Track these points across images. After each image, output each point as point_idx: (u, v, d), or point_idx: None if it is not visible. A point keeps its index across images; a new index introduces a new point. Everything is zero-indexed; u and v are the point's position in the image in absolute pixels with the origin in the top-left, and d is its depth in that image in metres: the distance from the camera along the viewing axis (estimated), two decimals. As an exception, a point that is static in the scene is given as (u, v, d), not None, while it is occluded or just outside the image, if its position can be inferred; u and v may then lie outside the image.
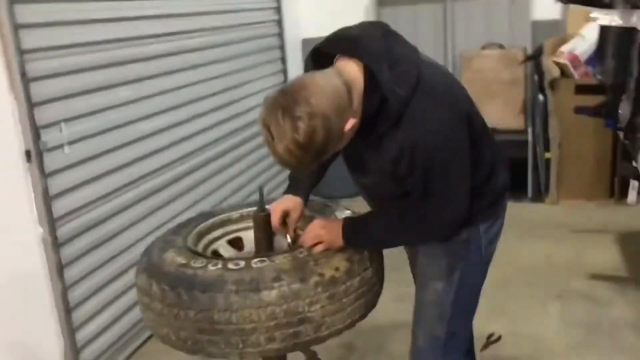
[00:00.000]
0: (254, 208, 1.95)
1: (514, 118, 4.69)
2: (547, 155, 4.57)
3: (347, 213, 1.93)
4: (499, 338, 2.86)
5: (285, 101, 1.41)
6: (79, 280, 2.65)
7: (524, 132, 4.64)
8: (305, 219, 1.95)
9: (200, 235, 1.99)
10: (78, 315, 2.65)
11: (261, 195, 1.89)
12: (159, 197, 3.18)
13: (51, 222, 2.47)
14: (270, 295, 1.59)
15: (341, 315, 1.68)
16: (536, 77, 4.57)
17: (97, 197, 2.74)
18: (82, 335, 2.67)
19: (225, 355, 1.65)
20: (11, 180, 2.34)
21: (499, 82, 4.72)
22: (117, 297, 2.86)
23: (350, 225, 1.73)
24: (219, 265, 1.67)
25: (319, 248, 1.71)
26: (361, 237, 1.72)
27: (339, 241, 1.71)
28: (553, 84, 4.32)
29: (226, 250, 2.01)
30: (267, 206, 1.91)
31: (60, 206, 2.53)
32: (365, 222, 1.74)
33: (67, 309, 2.56)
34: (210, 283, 1.62)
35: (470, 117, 1.63)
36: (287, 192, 1.91)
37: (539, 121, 4.56)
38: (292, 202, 1.87)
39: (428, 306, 1.81)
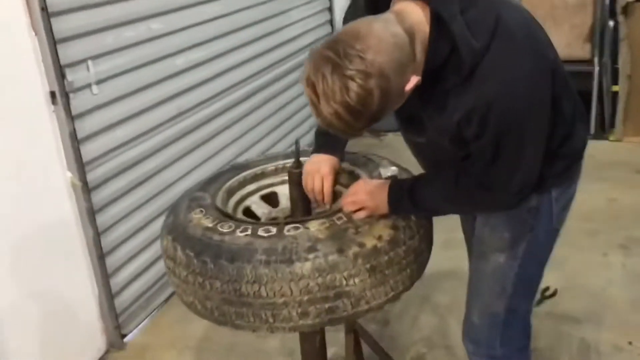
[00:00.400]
0: (292, 160, 1.77)
1: (579, 46, 4.30)
2: (614, 88, 4.22)
3: (393, 170, 1.72)
4: (555, 292, 2.67)
5: (335, 56, 1.16)
6: (111, 225, 2.56)
7: (590, 62, 4.26)
8: (347, 175, 1.77)
9: (232, 191, 1.82)
10: (112, 260, 2.57)
11: (297, 148, 1.70)
12: (194, 136, 3.03)
13: (80, 166, 2.35)
14: (304, 267, 1.42)
15: (383, 289, 1.50)
16: (607, 1, 4.15)
17: (129, 138, 2.60)
18: (116, 281, 2.60)
19: (254, 329, 1.51)
20: (36, 124, 2.20)
21: (564, 7, 4.30)
22: (151, 242, 2.77)
23: (398, 190, 1.52)
24: (248, 232, 1.50)
25: (361, 215, 1.52)
26: (410, 204, 1.51)
27: (383, 207, 1.52)
28: (627, 8, 3.92)
29: (259, 207, 1.84)
30: (303, 159, 1.73)
31: (89, 149, 2.41)
32: (415, 186, 1.52)
33: (100, 255, 2.47)
34: (238, 252, 1.46)
35: (554, 69, 1.37)
36: (317, 150, 1.71)
37: (607, 50, 4.18)
38: (327, 164, 1.67)
39: (486, 280, 1.62)
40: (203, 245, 1.52)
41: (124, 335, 2.66)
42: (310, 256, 1.43)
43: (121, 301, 2.64)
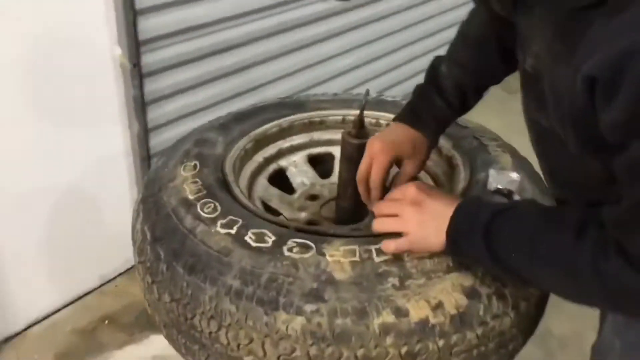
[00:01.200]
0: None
1: None
2: None
3: (512, 180, 1.01)
4: None
5: None
6: (165, 123, 2.06)
7: None
8: (444, 161, 1.12)
9: (265, 140, 1.23)
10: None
11: (362, 105, 1.04)
12: (298, 35, 2.40)
13: (134, 43, 1.82)
14: (292, 323, 0.83)
15: (422, 389, 0.88)
16: None
17: (209, 20, 2.03)
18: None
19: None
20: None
21: None
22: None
23: (471, 216, 0.82)
24: (232, 230, 0.92)
25: (390, 247, 0.87)
26: (483, 249, 0.80)
27: (437, 239, 0.84)
28: None
29: (300, 173, 1.24)
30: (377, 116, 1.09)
31: (151, 25, 1.86)
32: (500, 218, 0.80)
33: (144, 157, 2.01)
34: (204, 259, 0.89)
35: None
36: (398, 117, 1.05)
37: None
38: (406, 141, 1.01)
39: None
40: (165, 229, 0.96)
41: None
42: (308, 308, 0.83)
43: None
